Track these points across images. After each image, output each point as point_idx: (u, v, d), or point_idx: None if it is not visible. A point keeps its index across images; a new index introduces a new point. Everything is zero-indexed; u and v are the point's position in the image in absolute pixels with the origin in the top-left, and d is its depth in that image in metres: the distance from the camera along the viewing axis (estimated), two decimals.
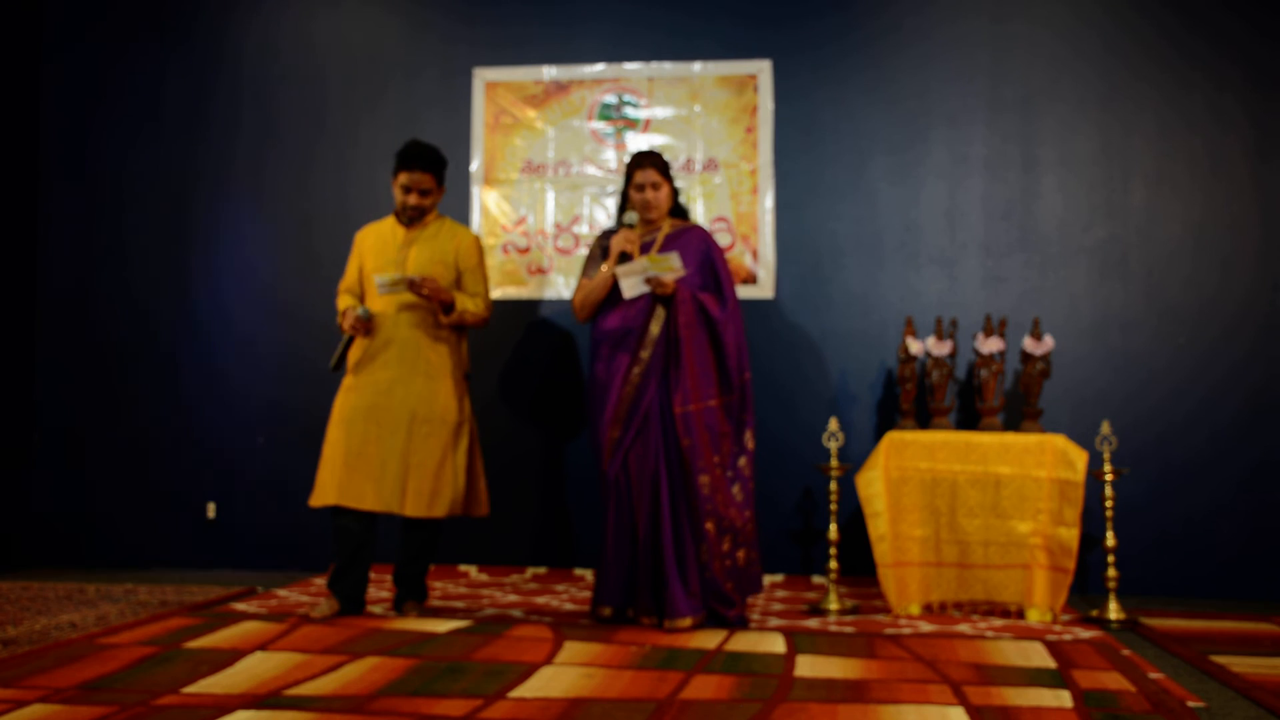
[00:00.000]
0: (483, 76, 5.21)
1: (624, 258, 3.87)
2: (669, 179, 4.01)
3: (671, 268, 3.76)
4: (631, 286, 3.80)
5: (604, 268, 3.92)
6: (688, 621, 3.69)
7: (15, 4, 5.33)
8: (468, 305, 4.05)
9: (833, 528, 4.28)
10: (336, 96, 5.32)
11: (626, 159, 5.06)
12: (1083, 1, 4.92)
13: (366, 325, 3.96)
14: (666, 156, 4.41)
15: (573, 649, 3.32)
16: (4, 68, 5.28)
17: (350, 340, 3.98)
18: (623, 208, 4.06)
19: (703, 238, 4.00)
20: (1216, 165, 4.82)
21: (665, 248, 3.94)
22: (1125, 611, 4.07)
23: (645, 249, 3.97)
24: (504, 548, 5.06)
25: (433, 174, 4.07)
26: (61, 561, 5.33)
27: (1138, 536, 4.62)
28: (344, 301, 4.14)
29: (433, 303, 3.98)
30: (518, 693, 2.79)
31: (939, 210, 4.95)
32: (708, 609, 3.77)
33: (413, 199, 4.06)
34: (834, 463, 4.27)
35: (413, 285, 3.91)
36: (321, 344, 5.10)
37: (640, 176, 3.97)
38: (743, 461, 3.86)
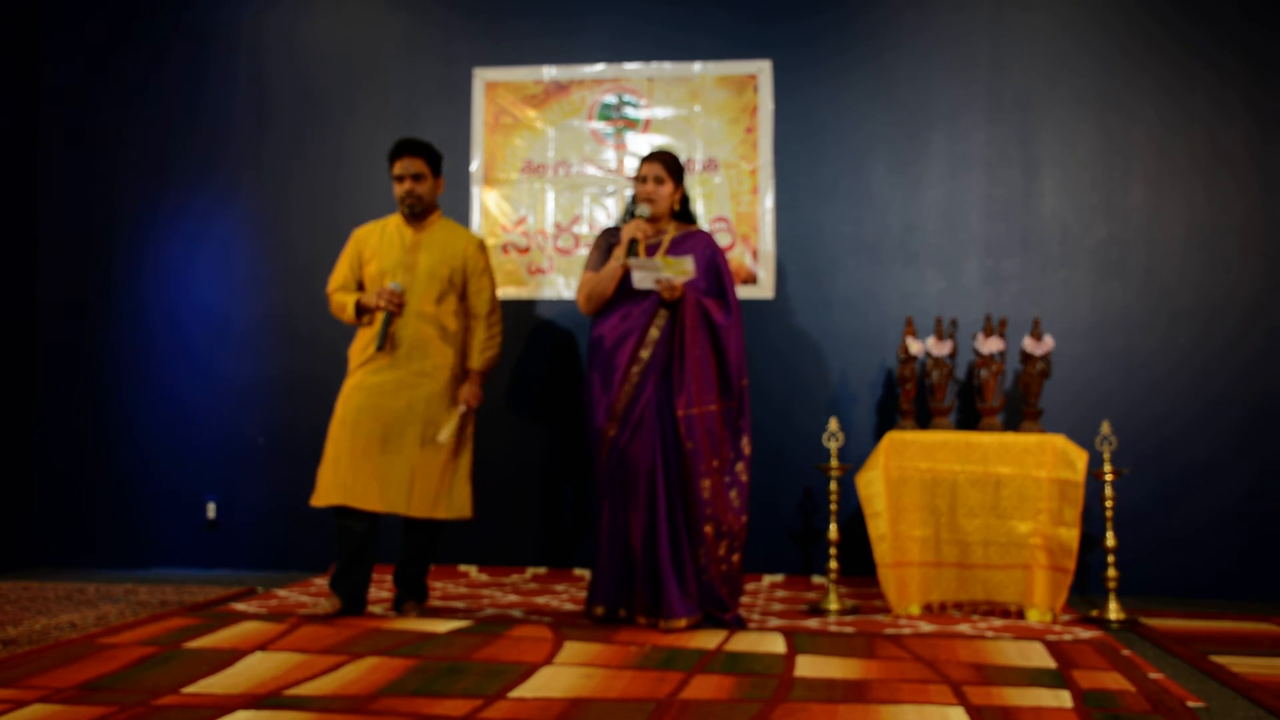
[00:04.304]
0: (483, 76, 5.21)
1: (633, 245, 3.87)
2: (675, 179, 4.01)
3: (684, 271, 3.77)
4: (641, 279, 3.81)
5: (616, 254, 3.92)
6: (683, 622, 3.69)
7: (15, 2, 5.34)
8: (482, 360, 4.12)
9: (833, 528, 4.28)
10: (336, 96, 5.32)
11: (629, 159, 5.09)
12: None
13: (400, 299, 3.97)
14: None
15: (573, 649, 3.33)
16: (4, 66, 5.28)
17: (390, 317, 3.96)
18: (633, 203, 4.07)
19: (707, 243, 4.01)
20: (1217, 164, 4.82)
21: (670, 251, 3.95)
22: (1125, 611, 4.07)
23: (651, 251, 3.98)
24: (504, 548, 5.06)
25: (423, 158, 4.09)
26: (61, 561, 5.33)
27: (1138, 536, 4.61)
28: (345, 298, 4.12)
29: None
30: (518, 693, 2.80)
31: (939, 210, 4.95)
32: (704, 611, 3.77)
33: (408, 184, 4.07)
34: (834, 463, 4.27)
35: (464, 416, 4.05)
36: (322, 343, 5.10)
37: (645, 169, 4.00)
38: (739, 467, 3.87)
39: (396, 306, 3.96)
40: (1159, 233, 4.84)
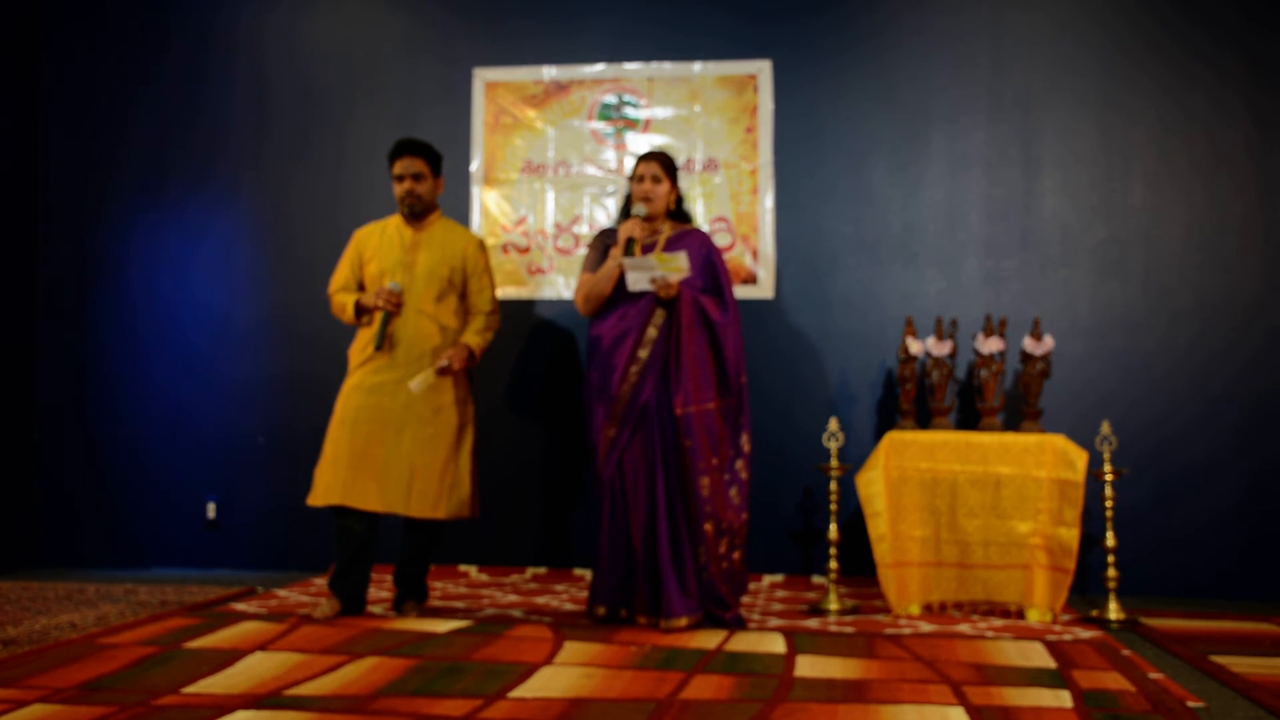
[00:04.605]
0: (483, 76, 5.21)
1: (629, 244, 3.88)
2: (671, 178, 4.02)
3: (679, 268, 3.77)
4: (636, 280, 3.81)
5: (613, 254, 3.93)
6: (683, 622, 3.70)
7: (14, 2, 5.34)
8: (478, 340, 4.11)
9: (833, 528, 4.28)
10: (336, 97, 5.32)
11: (629, 159, 5.09)
12: None
13: (398, 299, 3.97)
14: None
15: (573, 649, 3.33)
16: (4, 66, 5.28)
17: (388, 317, 3.97)
18: (627, 203, 4.07)
19: (703, 241, 4.01)
20: (1217, 164, 4.82)
21: (666, 250, 3.94)
22: (1125, 611, 4.07)
23: (647, 250, 3.97)
24: (504, 548, 5.06)
25: (423, 158, 4.10)
26: (61, 561, 5.33)
27: (1138, 536, 4.61)
28: (345, 298, 4.12)
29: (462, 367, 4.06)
30: (518, 693, 2.80)
31: (939, 210, 4.95)
32: (704, 610, 3.77)
33: (407, 184, 4.08)
34: (834, 463, 4.27)
35: (444, 371, 3.99)
36: (322, 343, 5.10)
37: (642, 169, 4.01)
38: (739, 464, 3.87)
39: (394, 306, 3.96)
40: (1159, 233, 4.84)
